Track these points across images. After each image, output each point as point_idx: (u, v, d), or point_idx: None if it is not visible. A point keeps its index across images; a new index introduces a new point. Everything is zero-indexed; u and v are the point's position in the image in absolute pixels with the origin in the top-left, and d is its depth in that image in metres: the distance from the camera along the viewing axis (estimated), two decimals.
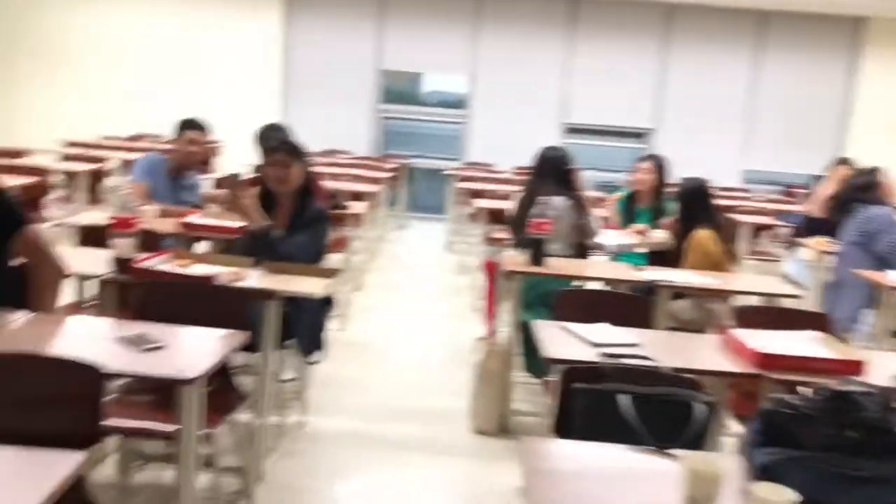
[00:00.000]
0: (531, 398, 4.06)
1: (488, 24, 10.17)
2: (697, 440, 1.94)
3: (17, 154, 6.72)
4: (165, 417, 2.41)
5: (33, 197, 5.63)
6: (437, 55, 10.34)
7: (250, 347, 2.70)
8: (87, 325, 2.54)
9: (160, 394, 2.58)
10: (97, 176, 6.73)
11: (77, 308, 3.59)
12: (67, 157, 6.90)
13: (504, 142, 10.21)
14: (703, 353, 2.69)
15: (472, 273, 6.58)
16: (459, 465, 3.40)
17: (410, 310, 5.85)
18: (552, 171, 4.01)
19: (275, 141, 4.34)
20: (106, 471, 2.84)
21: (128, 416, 2.45)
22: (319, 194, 3.52)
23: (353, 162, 8.58)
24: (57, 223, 5.18)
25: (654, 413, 2.05)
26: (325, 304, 3.52)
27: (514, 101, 10.25)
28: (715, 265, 3.93)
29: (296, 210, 3.37)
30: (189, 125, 4.35)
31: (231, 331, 2.40)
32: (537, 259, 3.66)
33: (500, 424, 3.69)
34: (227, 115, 8.68)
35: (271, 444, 3.23)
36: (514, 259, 3.80)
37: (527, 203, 3.92)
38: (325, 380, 4.13)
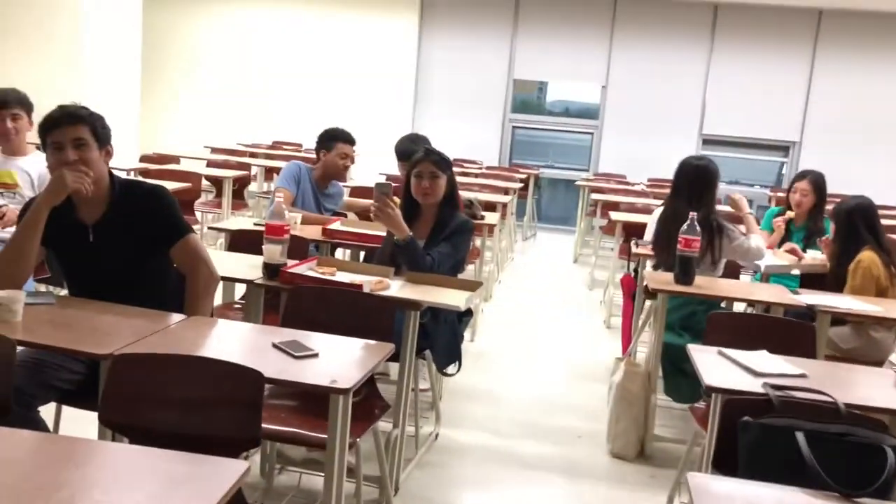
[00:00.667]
0: (673, 423, 3.89)
1: (623, 33, 9.95)
2: (886, 488, 1.75)
3: (166, 160, 7.09)
4: (313, 424, 2.43)
5: (184, 201, 5.91)
6: (569, 64, 10.19)
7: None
8: (240, 329, 2.59)
9: (304, 400, 2.61)
10: (242, 182, 7.01)
11: (225, 310, 3.71)
12: (211, 164, 7.21)
13: (637, 152, 9.94)
14: (879, 388, 2.46)
15: (604, 288, 6.40)
16: (598, 490, 3.27)
17: (539, 323, 5.75)
18: (698, 185, 3.81)
19: (418, 152, 4.37)
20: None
21: (276, 421, 2.48)
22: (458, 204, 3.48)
23: (484, 172, 8.56)
24: (208, 227, 5.42)
25: (832, 455, 1.87)
26: (462, 315, 3.48)
27: (649, 111, 9.96)
28: (881, 291, 3.64)
29: (439, 220, 3.35)
30: (339, 137, 4.42)
31: (379, 342, 2.39)
32: (684, 278, 3.48)
33: (639, 449, 3.54)
34: (360, 124, 8.87)
35: (407, 455, 3.22)
36: (659, 277, 3.64)
37: (672, 218, 3.74)
38: (456, 391, 4.10)
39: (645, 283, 3.78)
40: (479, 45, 10.23)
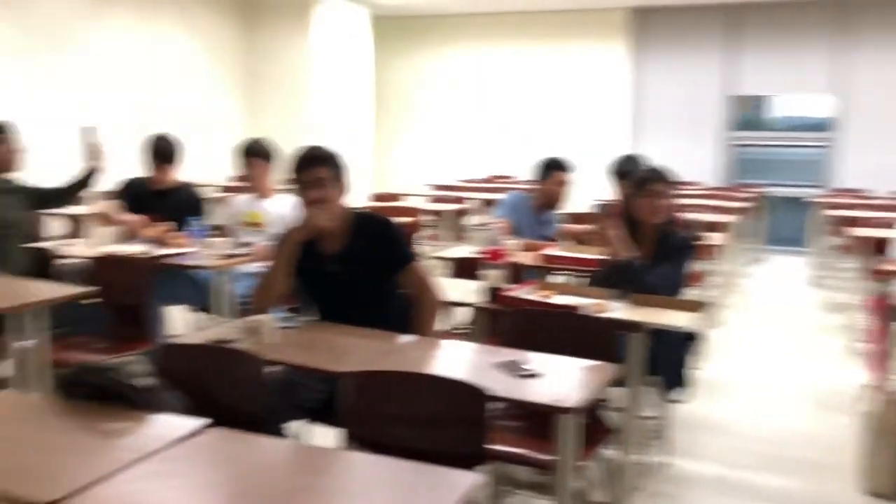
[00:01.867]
0: None
1: (856, 39, 9.15)
2: None
3: (392, 197, 7.54)
4: (539, 446, 2.43)
5: (408, 234, 6.24)
6: (791, 76, 9.52)
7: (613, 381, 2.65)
8: (464, 349, 2.67)
9: (529, 421, 2.62)
10: (459, 215, 7.28)
11: (450, 333, 3.84)
12: (433, 199, 7.56)
13: (880, 164, 9.05)
14: None
15: (845, 311, 5.86)
16: None
17: (774, 350, 5.35)
18: None
19: (644, 171, 4.29)
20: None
21: (501, 441, 2.52)
22: (677, 222, 3.37)
23: (704, 192, 8.21)
24: (431, 256, 5.66)
25: None
26: (689, 339, 3.34)
27: (893, 120, 9.04)
28: None
29: (660, 240, 3.26)
30: (557, 166, 4.48)
31: (603, 363, 2.35)
32: None
33: None
34: (578, 150, 8.89)
35: (635, 483, 3.12)
36: None
37: None
38: (686, 419, 3.92)
39: None
40: (693, 63, 9.88)
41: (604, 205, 3.21)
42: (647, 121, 10.16)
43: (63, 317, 3.69)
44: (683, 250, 3.21)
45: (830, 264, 7.17)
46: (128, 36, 8.61)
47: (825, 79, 9.34)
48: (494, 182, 9.54)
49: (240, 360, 2.26)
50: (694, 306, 2.94)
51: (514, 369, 2.24)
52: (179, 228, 4.14)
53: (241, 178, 4.44)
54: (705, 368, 4.79)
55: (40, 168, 4.48)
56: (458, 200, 7.40)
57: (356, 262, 2.78)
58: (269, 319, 2.48)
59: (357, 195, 7.00)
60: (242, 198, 4.51)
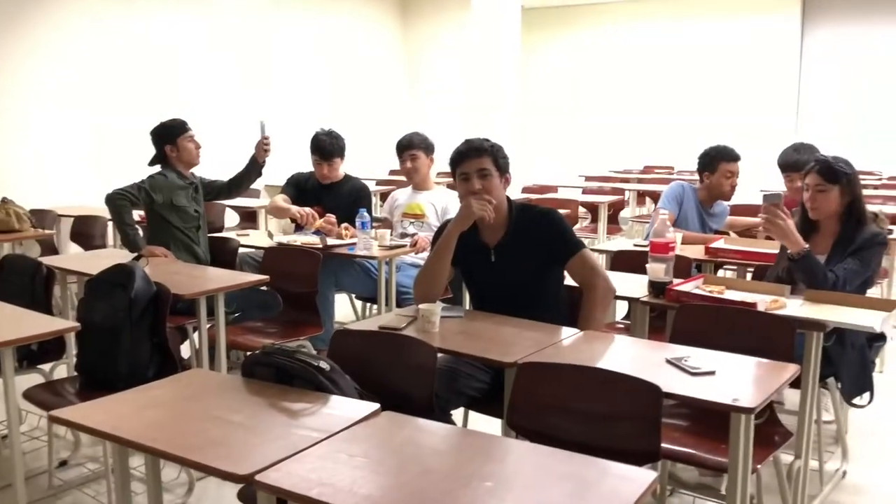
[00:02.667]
0: None
1: None
2: None
3: (545, 189, 7.50)
4: (710, 446, 2.34)
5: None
6: None
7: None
8: (633, 344, 2.61)
9: (699, 421, 2.53)
10: (616, 207, 7.14)
11: (609, 329, 3.77)
12: (586, 192, 7.45)
13: None
14: None
15: None
16: None
17: None
18: None
19: (809, 162, 4.03)
20: None
21: (671, 440, 2.45)
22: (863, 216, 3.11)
23: (886, 182, 7.61)
24: (593, 249, 5.59)
25: None
26: (874, 340, 3.10)
27: None
28: None
29: (842, 234, 3.05)
30: (724, 156, 4.28)
31: (781, 362, 2.23)
32: None
33: None
34: (737, 138, 8.44)
35: (811, 491, 2.94)
36: None
37: None
38: (865, 425, 3.66)
39: None
40: (872, 37, 9.10)
41: (768, 195, 3.03)
42: (817, 105, 9.48)
43: (240, 302, 3.95)
44: (870, 244, 2.98)
45: None
46: (298, 29, 9.05)
47: None
48: (651, 173, 9.29)
49: (411, 346, 2.32)
50: (885, 305, 2.72)
51: (688, 365, 2.17)
52: (346, 220, 4.31)
53: (402, 172, 4.56)
54: (886, 372, 4.44)
55: (215, 161, 4.78)
56: (615, 192, 7.25)
57: (517, 253, 2.78)
58: (436, 308, 2.53)
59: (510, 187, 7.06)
60: (403, 190, 4.63)
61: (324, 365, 1.99)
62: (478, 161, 2.76)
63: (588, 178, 8.56)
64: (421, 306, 2.57)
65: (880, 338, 3.25)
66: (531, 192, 7.36)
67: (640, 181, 8.55)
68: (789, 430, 2.59)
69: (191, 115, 4.39)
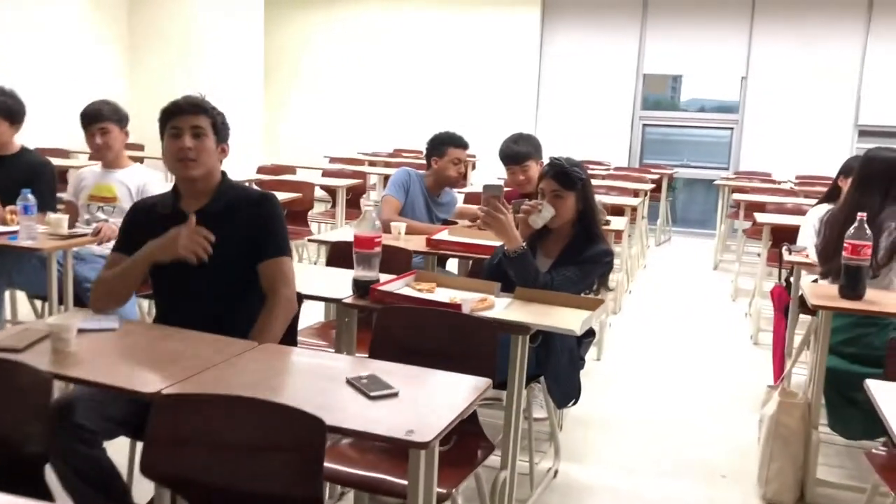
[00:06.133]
0: (839, 462, 3.28)
1: (765, 19, 9.09)
2: None
3: (283, 170, 7.00)
4: (403, 468, 2.06)
5: (297, 212, 5.77)
6: (704, 56, 9.41)
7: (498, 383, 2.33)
8: (314, 361, 2.25)
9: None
10: (357, 191, 6.81)
11: (326, 328, 3.43)
12: (327, 174, 7.06)
13: (783, 148, 9.07)
14: None
15: (750, 298, 5.73)
16: None
17: (676, 339, 5.16)
18: (881, 181, 3.16)
19: (521, 154, 3.95)
20: None
21: (358, 464, 2.14)
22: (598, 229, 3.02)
23: (611, 173, 8.02)
24: (307, 239, 5.23)
25: None
26: (584, 337, 3.02)
27: (797, 102, 9.06)
28: None
29: (573, 243, 2.94)
30: (451, 141, 4.10)
31: (476, 377, 1.99)
32: (852, 292, 2.88)
33: (798, 495, 2.97)
34: (482, 126, 8.53)
35: (520, 496, 2.80)
36: (821, 290, 3.05)
37: (842, 220, 3.12)
38: (579, 419, 3.65)
39: (801, 297, 3.19)
40: (606, 39, 9.63)
41: (489, 185, 2.84)
42: (555, 97, 9.88)
43: None
44: (596, 260, 2.89)
45: (737, 249, 7.09)
46: None
47: (733, 60, 9.27)
48: (400, 156, 9.12)
49: (18, 375, 1.79)
50: (590, 304, 2.61)
51: (369, 387, 1.86)
52: (13, 201, 3.56)
53: (90, 147, 3.87)
54: (603, 360, 4.55)
55: None
56: (355, 175, 6.92)
57: (214, 230, 2.30)
58: (69, 322, 2.00)
59: (244, 167, 6.49)
60: (90, 169, 3.95)
61: None
62: (194, 118, 2.36)
63: (333, 160, 8.19)
64: (49, 320, 2.03)
65: (591, 333, 3.21)
66: (266, 172, 6.83)
67: (387, 164, 8.32)
68: (492, 444, 2.39)
69: None
